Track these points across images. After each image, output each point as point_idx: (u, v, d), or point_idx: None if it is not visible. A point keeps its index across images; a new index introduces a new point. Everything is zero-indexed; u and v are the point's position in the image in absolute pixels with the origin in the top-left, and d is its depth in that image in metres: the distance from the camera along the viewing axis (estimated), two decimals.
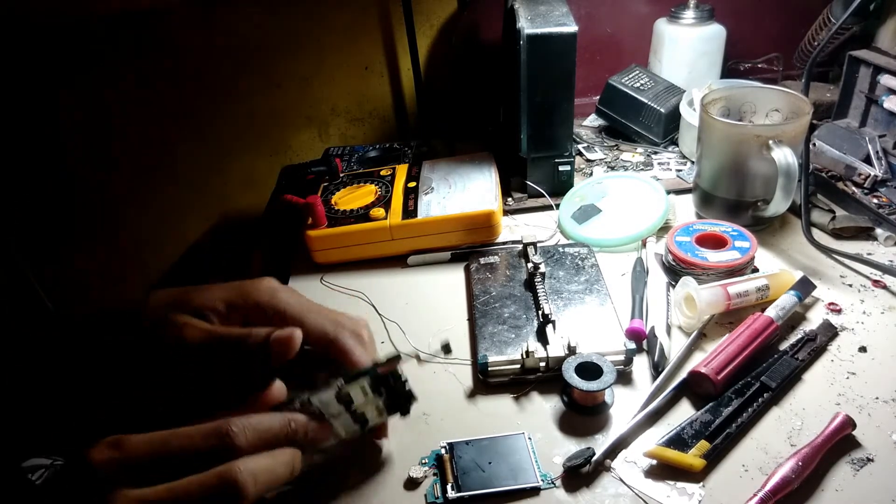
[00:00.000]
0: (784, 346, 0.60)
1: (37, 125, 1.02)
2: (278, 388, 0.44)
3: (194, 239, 1.17)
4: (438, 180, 0.81)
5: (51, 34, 0.96)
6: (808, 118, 0.70)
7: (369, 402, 0.46)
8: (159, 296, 0.47)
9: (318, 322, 0.47)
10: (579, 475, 0.49)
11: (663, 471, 0.49)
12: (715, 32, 0.97)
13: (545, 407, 0.56)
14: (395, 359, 0.48)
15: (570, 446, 0.52)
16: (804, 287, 0.63)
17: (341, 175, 0.86)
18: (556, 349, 0.57)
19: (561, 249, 0.73)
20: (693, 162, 0.90)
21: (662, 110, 0.93)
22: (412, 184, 0.81)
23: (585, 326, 0.62)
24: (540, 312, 0.62)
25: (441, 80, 1.09)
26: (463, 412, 0.56)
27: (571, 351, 0.57)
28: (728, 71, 1.04)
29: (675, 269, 0.69)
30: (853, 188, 0.79)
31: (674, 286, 0.66)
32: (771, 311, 0.60)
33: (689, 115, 0.87)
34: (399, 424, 0.55)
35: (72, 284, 1.13)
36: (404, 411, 0.49)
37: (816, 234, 0.74)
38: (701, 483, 0.48)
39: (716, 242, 0.69)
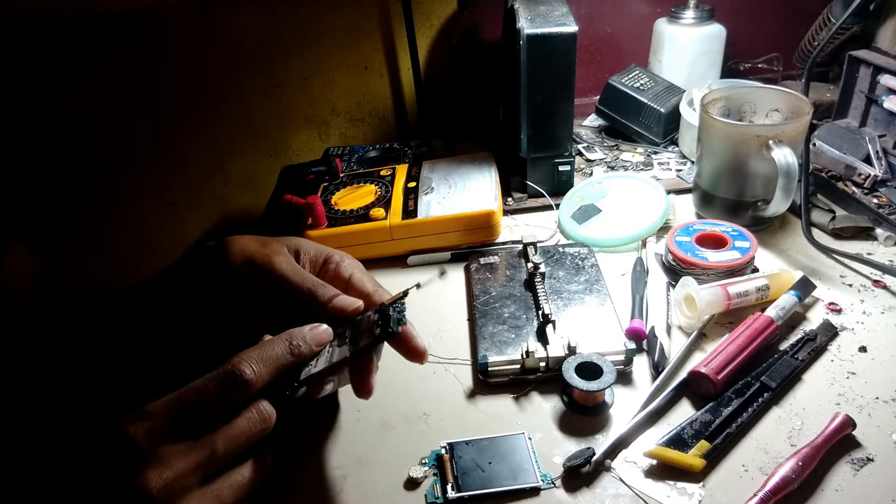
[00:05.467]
0: (784, 346, 0.60)
1: (36, 125, 1.02)
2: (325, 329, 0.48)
3: (194, 239, 1.17)
4: (438, 180, 0.81)
5: (51, 34, 0.96)
6: (808, 118, 0.70)
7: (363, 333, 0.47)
8: (247, 237, 0.53)
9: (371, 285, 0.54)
10: (579, 475, 0.49)
11: (663, 471, 0.49)
12: (715, 32, 0.97)
13: (545, 407, 0.56)
14: (403, 293, 0.49)
15: (570, 446, 0.52)
16: (804, 287, 0.63)
17: (341, 175, 0.86)
18: (556, 349, 0.57)
19: (561, 249, 0.73)
20: (693, 162, 0.90)
21: (662, 110, 0.93)
22: (412, 184, 0.81)
23: (585, 326, 0.61)
24: (540, 312, 0.62)
25: (441, 80, 1.09)
26: (463, 412, 0.56)
27: (571, 351, 0.57)
28: (728, 71, 1.04)
29: (675, 269, 0.69)
30: (853, 188, 0.79)
31: (674, 286, 0.66)
32: (771, 311, 0.60)
33: (689, 115, 0.87)
34: (399, 424, 0.55)
35: (70, 284, 1.13)
36: (391, 332, 0.47)
37: (816, 234, 0.74)
38: (701, 483, 0.48)
39: (716, 242, 0.69)
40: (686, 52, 0.97)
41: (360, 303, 0.50)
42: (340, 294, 0.50)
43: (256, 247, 0.51)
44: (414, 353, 0.50)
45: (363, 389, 0.48)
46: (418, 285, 0.49)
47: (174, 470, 0.38)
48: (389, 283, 0.73)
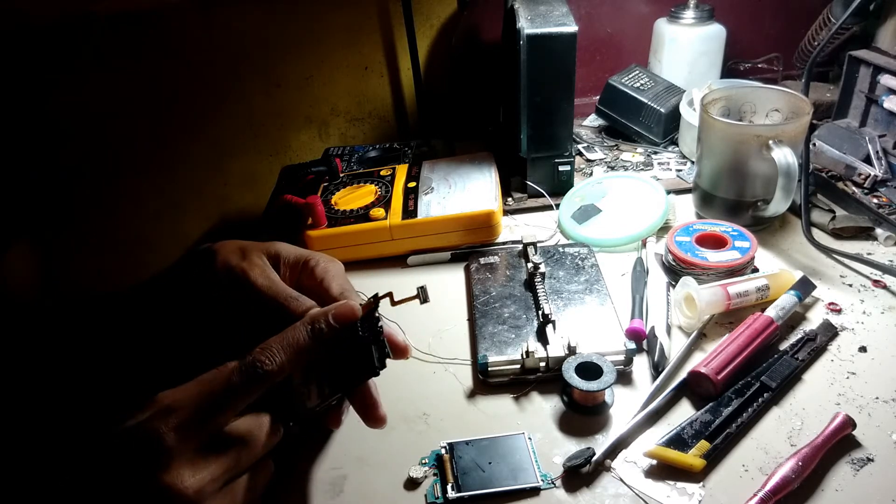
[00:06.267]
0: (784, 346, 0.60)
1: (36, 125, 1.02)
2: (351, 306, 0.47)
3: (194, 239, 1.17)
4: (438, 180, 0.81)
5: (51, 34, 0.96)
6: (808, 118, 0.70)
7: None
8: (233, 244, 0.52)
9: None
10: (579, 475, 0.49)
11: (663, 471, 0.49)
12: (715, 32, 0.97)
13: (545, 407, 0.56)
14: (374, 298, 0.47)
15: (570, 446, 0.52)
16: (804, 287, 0.63)
17: (341, 175, 0.86)
18: (556, 349, 0.57)
19: (561, 249, 0.73)
20: (693, 162, 0.90)
21: (662, 110, 0.93)
22: (412, 184, 0.81)
23: (585, 326, 0.61)
24: (540, 312, 0.62)
25: (441, 80, 1.09)
26: (463, 412, 0.56)
27: (571, 351, 0.57)
28: (728, 71, 1.04)
29: (675, 269, 0.69)
30: (853, 188, 0.79)
31: (674, 286, 0.66)
32: (771, 311, 0.60)
33: (689, 115, 0.87)
34: (399, 424, 0.55)
35: (70, 284, 1.13)
36: (370, 370, 0.46)
37: (816, 234, 0.74)
38: (701, 483, 0.48)
39: (716, 242, 0.69)
40: (686, 52, 0.97)
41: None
42: (314, 306, 0.50)
43: (237, 259, 0.51)
44: (397, 350, 0.51)
45: (374, 420, 0.48)
46: (391, 297, 0.48)
47: (209, 471, 0.38)
48: (389, 283, 0.73)
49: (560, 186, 0.84)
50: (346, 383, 0.47)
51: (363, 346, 0.46)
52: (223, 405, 0.39)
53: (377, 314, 0.47)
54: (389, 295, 0.48)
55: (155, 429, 0.37)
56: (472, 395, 0.58)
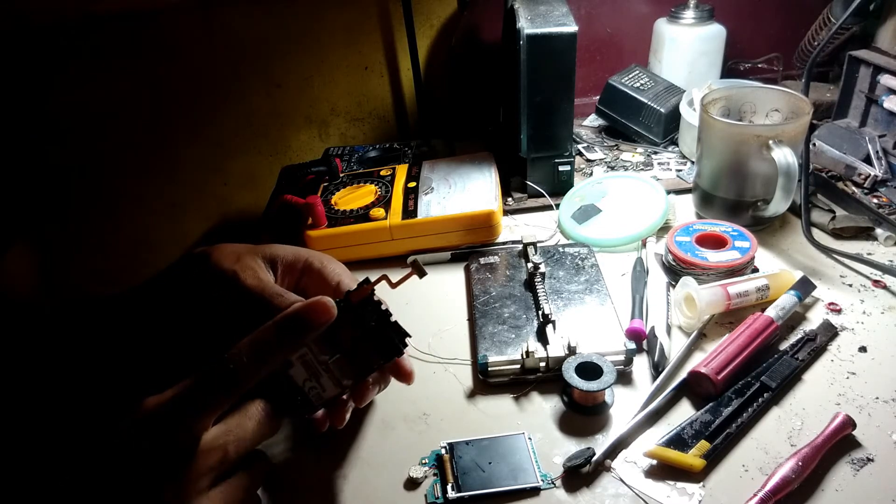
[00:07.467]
0: (784, 346, 0.60)
1: (35, 125, 1.02)
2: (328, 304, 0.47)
3: (194, 239, 1.17)
4: (438, 180, 0.81)
5: (50, 34, 0.96)
6: (808, 118, 0.70)
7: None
8: (228, 247, 0.53)
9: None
10: (579, 475, 0.49)
11: (663, 471, 0.49)
12: (715, 32, 0.97)
13: (545, 407, 0.56)
14: (365, 283, 0.47)
15: (570, 446, 0.52)
16: (804, 287, 0.63)
17: (341, 175, 0.86)
18: (556, 349, 0.57)
19: (561, 249, 0.73)
20: (693, 162, 0.90)
21: (662, 110, 0.93)
22: (412, 184, 0.81)
23: (585, 326, 0.61)
24: (540, 312, 0.62)
25: (441, 81, 1.09)
26: (463, 412, 0.56)
27: (571, 351, 0.57)
28: (728, 71, 1.04)
29: (675, 269, 0.69)
30: (853, 188, 0.79)
31: (674, 286, 0.66)
32: (771, 311, 0.60)
33: (689, 115, 0.87)
34: (399, 424, 0.55)
35: (70, 284, 1.13)
36: (394, 351, 0.47)
37: (816, 234, 0.74)
38: (701, 483, 0.48)
39: (716, 242, 0.69)
40: (686, 52, 0.97)
41: None
42: (301, 301, 0.49)
43: (229, 262, 0.51)
44: (402, 374, 0.52)
45: (362, 399, 0.50)
46: (388, 280, 0.48)
47: (191, 470, 0.38)
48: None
49: (560, 186, 0.84)
50: (366, 368, 0.47)
51: (377, 330, 0.46)
52: (200, 409, 0.40)
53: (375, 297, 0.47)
54: (385, 278, 0.48)
55: (136, 434, 0.38)
56: (472, 395, 0.58)
